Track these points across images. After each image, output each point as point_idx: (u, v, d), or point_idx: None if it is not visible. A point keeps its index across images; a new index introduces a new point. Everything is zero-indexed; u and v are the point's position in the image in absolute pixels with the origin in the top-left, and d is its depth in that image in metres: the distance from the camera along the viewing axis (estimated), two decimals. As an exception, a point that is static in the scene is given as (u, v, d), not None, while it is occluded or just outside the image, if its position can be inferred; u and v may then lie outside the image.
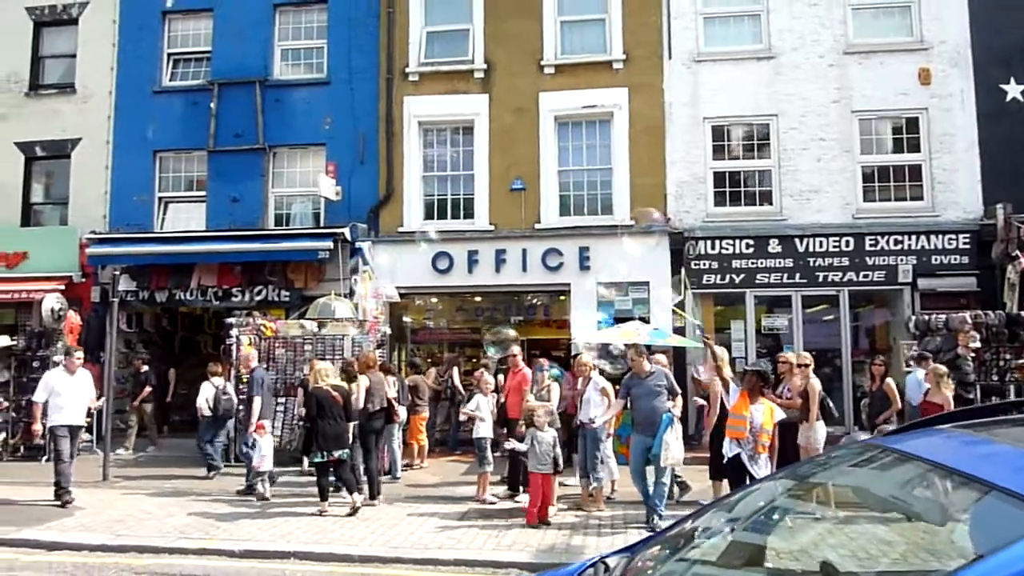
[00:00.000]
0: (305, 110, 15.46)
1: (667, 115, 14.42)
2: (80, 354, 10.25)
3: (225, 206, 15.40)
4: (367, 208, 15.03)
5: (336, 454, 9.10)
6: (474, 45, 15.08)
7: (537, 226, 14.42)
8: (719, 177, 14.37)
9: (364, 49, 15.37)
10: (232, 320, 12.84)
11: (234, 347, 12.60)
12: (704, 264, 13.84)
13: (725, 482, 8.32)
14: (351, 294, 14.19)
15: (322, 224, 15.13)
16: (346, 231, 14.52)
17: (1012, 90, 13.72)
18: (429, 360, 15.34)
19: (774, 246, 13.76)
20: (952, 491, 2.18)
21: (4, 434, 13.21)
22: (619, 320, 13.56)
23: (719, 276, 13.86)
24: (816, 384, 9.04)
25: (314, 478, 9.63)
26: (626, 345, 9.08)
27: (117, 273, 13.12)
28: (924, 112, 13.91)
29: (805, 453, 8.53)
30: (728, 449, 6.88)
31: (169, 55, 16.16)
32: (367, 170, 15.14)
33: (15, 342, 13.48)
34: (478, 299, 16.15)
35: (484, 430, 9.76)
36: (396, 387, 11.10)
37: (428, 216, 14.98)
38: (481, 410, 9.88)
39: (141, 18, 16.08)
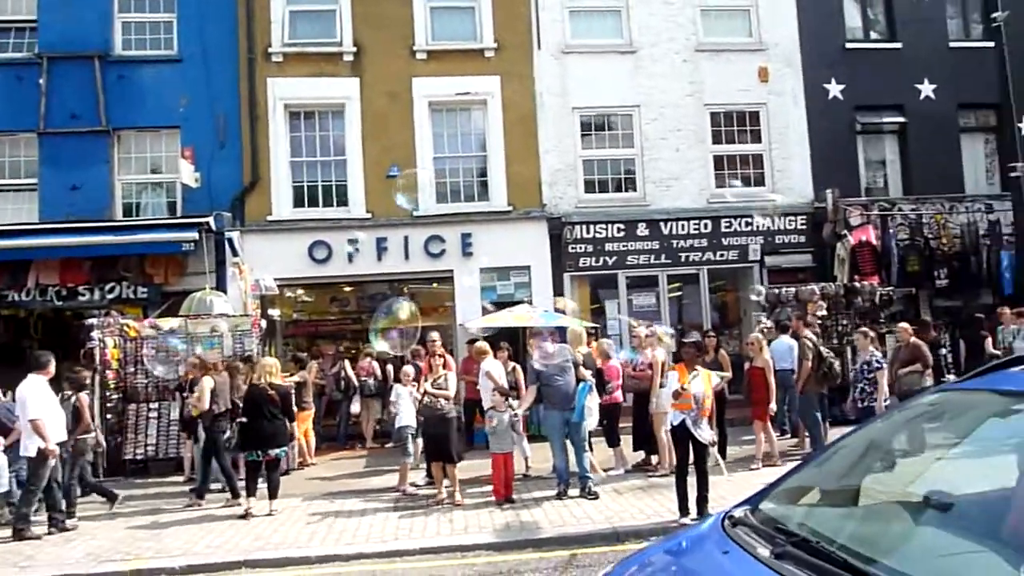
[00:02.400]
0: (154, 89, 14.19)
1: (538, 104, 14.87)
2: None
3: (63, 195, 13.80)
4: (230, 195, 14.12)
5: (272, 453, 8.81)
6: (342, 27, 14.61)
7: (416, 213, 14.31)
8: (588, 165, 15.06)
9: (219, 25, 14.36)
10: (93, 320, 11.61)
11: (96, 351, 11.43)
12: (580, 248, 14.48)
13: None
14: (216, 287, 13.34)
15: (179, 213, 14.03)
16: (211, 220, 13.57)
17: (833, 89, 15.58)
18: (307, 355, 14.75)
19: (642, 230, 14.68)
20: None
21: None
22: (501, 304, 13.84)
23: (594, 259, 14.57)
24: (660, 356, 10.02)
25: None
26: (530, 332, 9.41)
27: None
28: (764, 107, 15.44)
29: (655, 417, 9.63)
30: (673, 418, 7.38)
31: (-18, 22, 14.16)
32: (228, 155, 14.22)
33: None
34: (347, 289, 15.78)
35: (406, 420, 9.67)
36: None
37: (299, 204, 14.38)
38: (402, 400, 9.76)
39: (-57, -22, 13.95)
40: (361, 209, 14.26)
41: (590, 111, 15.07)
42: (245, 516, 8.53)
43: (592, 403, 8.67)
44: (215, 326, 12.04)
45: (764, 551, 2.59)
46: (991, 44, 15.16)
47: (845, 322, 13.43)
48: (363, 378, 13.20)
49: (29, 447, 8.04)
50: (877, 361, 10.32)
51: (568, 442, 8.89)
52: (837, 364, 10.83)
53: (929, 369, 10.20)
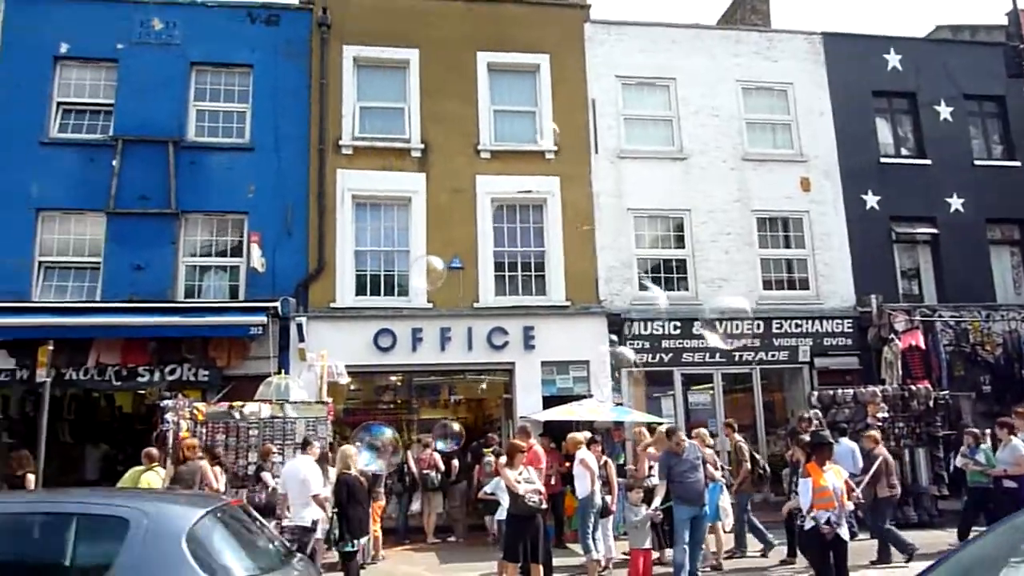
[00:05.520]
0: (225, 176, 14.45)
1: (596, 204, 15.40)
2: None
3: (126, 274, 13.75)
4: (294, 282, 14.19)
5: (361, 541, 8.65)
6: (410, 124, 15.17)
7: (476, 305, 14.51)
8: (643, 263, 15.50)
9: (292, 118, 14.80)
10: (168, 403, 11.38)
11: (169, 433, 11.15)
12: (637, 344, 14.69)
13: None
14: (279, 372, 13.21)
15: (241, 297, 14.03)
16: (278, 305, 13.60)
17: (870, 200, 16.42)
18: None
19: (697, 328, 14.98)
20: None
21: None
22: (560, 399, 13.89)
23: (650, 355, 14.78)
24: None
25: None
26: (667, 431, 9.47)
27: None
28: (806, 214, 16.17)
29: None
30: (819, 517, 7.37)
31: (60, 104, 14.41)
32: (294, 243, 14.38)
33: None
34: (394, 378, 15.72)
35: (504, 513, 9.53)
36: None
37: (361, 292, 14.49)
38: (500, 494, 9.64)
39: (27, 61, 14.21)
40: (422, 299, 14.40)
41: (644, 212, 15.64)
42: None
43: (726, 503, 8.66)
44: (286, 412, 11.91)
45: None
46: (1016, 163, 16.23)
47: (901, 424, 13.69)
48: (425, 471, 12.99)
49: (305, 517, 8.87)
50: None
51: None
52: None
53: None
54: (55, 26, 14.45)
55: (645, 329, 14.78)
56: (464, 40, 15.58)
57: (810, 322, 15.39)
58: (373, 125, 15.16)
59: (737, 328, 14.81)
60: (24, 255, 13.66)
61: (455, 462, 13.29)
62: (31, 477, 11.12)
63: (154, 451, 10.53)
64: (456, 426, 13.00)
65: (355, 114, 15.06)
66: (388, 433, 11.40)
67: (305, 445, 9.80)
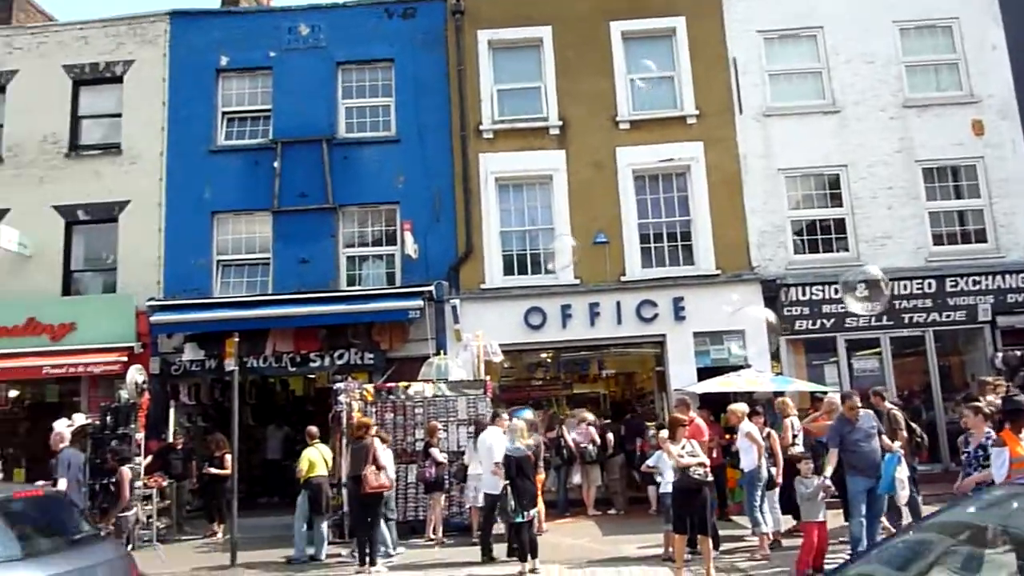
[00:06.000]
0: (375, 168, 15.11)
1: (743, 167, 14.83)
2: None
3: (293, 268, 14.74)
4: (445, 266, 14.68)
5: (531, 513, 8.95)
6: (547, 102, 15.19)
7: (623, 278, 14.42)
8: (797, 225, 14.80)
9: (434, 107, 15.23)
10: (340, 385, 12.16)
11: (343, 413, 11.92)
12: (796, 310, 14.09)
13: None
14: (438, 353, 13.75)
15: (397, 284, 14.68)
16: (432, 289, 14.14)
17: (1056, 139, 14.78)
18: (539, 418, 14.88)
19: (839, 292, 14.12)
20: None
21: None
22: (715, 370, 13.58)
23: (810, 322, 14.14)
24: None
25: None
26: (842, 396, 9.11)
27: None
28: (980, 160, 14.80)
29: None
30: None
31: (224, 113, 15.58)
32: (442, 228, 14.85)
33: (90, 419, 12.33)
34: (544, 355, 15.97)
35: (669, 486, 9.48)
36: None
37: (509, 272, 14.77)
38: (664, 467, 9.61)
39: (193, 76, 15.49)
40: (570, 275, 14.46)
41: (795, 172, 14.89)
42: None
43: (902, 475, 8.24)
44: (443, 391, 12.44)
45: None
46: None
47: (1105, 386, 12.34)
48: (582, 444, 13.13)
49: (497, 484, 9.60)
50: None
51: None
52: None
53: None
54: (214, 41, 15.62)
55: (803, 294, 14.13)
56: (596, 11, 15.37)
57: (990, 278, 14.13)
58: (511, 107, 15.32)
59: (905, 288, 13.93)
60: (204, 255, 14.95)
61: (610, 436, 13.36)
62: (228, 457, 12.27)
63: (314, 429, 11.50)
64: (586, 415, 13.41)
65: (493, 98, 15.27)
66: (527, 414, 12.19)
67: (494, 418, 10.82)
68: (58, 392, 14.99)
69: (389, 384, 12.62)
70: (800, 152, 14.84)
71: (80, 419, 12.14)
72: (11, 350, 14.17)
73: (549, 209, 14.93)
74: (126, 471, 9.58)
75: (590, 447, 13.04)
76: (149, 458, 12.60)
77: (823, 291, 14.09)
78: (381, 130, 15.43)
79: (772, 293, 14.08)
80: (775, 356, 13.95)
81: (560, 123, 15.03)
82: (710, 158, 14.81)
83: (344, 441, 11.67)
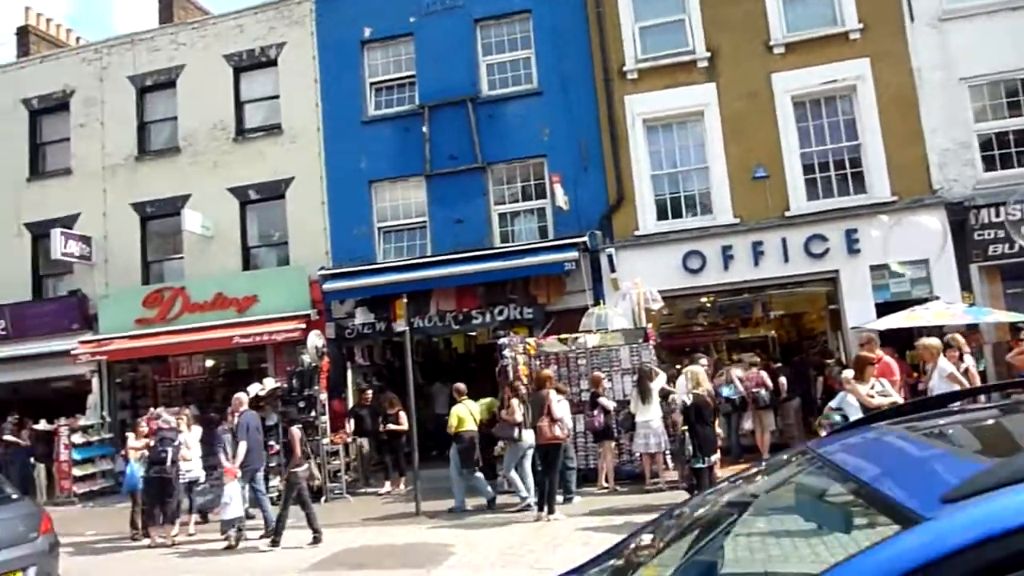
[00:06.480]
0: (520, 123, 15.05)
1: (917, 81, 13.47)
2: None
3: (449, 229, 15.07)
4: (597, 215, 14.48)
5: (711, 459, 8.80)
6: (693, 34, 14.44)
7: (787, 213, 13.62)
8: (985, 140, 13.33)
9: (574, 54, 14.90)
10: (504, 340, 12.37)
11: (509, 367, 12.12)
12: (988, 234, 12.77)
13: None
14: (596, 304, 13.63)
15: (550, 237, 14.65)
16: (586, 240, 14.00)
17: None
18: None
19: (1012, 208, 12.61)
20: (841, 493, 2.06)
21: (277, 477, 13.00)
22: (896, 305, 12.59)
23: (1006, 246, 12.76)
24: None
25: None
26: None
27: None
28: None
29: None
30: None
31: (372, 84, 16.02)
32: (592, 177, 14.61)
33: (278, 383, 13.33)
34: (704, 299, 15.46)
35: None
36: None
37: (663, 216, 14.34)
38: (849, 408, 9.06)
39: (340, 51, 16.01)
40: (728, 215, 13.86)
41: (981, 80, 13.36)
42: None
43: None
44: (605, 341, 12.34)
45: None
46: None
47: None
48: (753, 389, 12.67)
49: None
50: None
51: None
52: None
53: None
54: (357, 14, 16.02)
55: (997, 215, 12.76)
56: (739, -72, 14.36)
57: None
58: (654, 43, 14.70)
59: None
60: (365, 224, 15.59)
61: (783, 379, 12.80)
62: (403, 414, 12.87)
63: (462, 386, 11.87)
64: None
65: (635, 36, 14.71)
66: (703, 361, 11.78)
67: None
68: (247, 360, 16.29)
69: (550, 337, 12.68)
70: (986, 57, 13.24)
71: (270, 383, 13.16)
72: (204, 324, 15.52)
73: (702, 147, 14.31)
74: (295, 431, 10.26)
75: (762, 392, 12.55)
76: (351, 419, 13.50)
77: (1020, 210, 12.64)
78: (523, 84, 15.31)
79: (959, 217, 12.81)
80: (966, 286, 12.73)
81: (708, 54, 14.26)
82: (878, 75, 13.56)
83: (512, 393, 11.90)
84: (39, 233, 17.31)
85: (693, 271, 13.78)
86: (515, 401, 11.06)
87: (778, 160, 13.77)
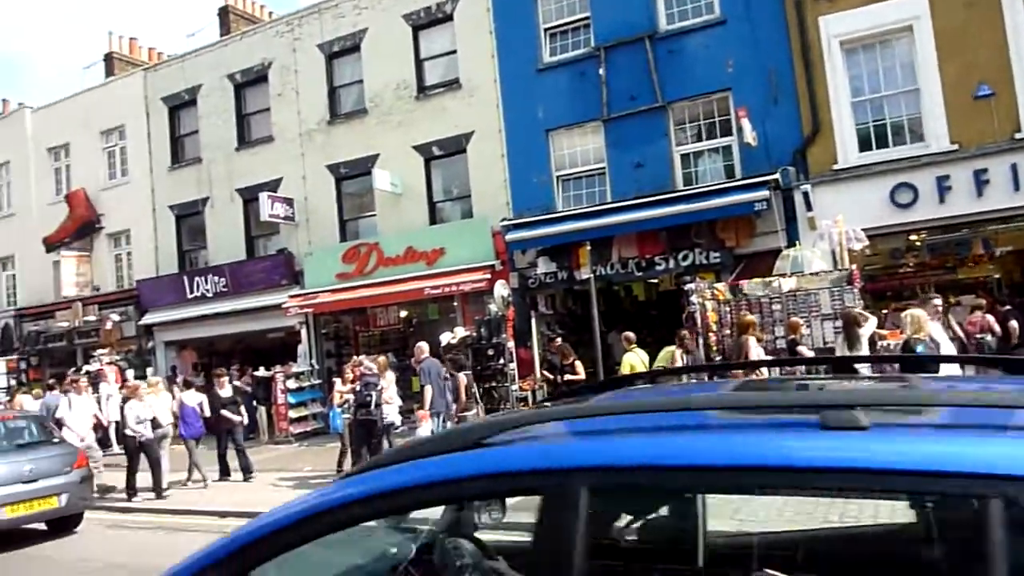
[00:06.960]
0: (702, 57, 14.25)
1: None
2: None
3: (629, 173, 14.70)
4: (790, 150, 13.50)
5: None
6: (899, -62, 12.88)
7: (1017, 135, 11.96)
8: None
9: (760, -25, 13.81)
10: (690, 286, 11.97)
11: (697, 314, 11.73)
12: None
13: None
14: (791, 245, 12.78)
15: (737, 176, 13.87)
16: (778, 177, 13.13)
17: None
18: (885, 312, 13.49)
19: None
20: None
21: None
22: None
23: None
24: None
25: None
26: None
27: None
28: None
29: None
30: None
31: (546, 30, 15.80)
32: (783, 109, 13.60)
33: (468, 332, 13.80)
34: (914, 237, 14.01)
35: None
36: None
37: (866, 147, 13.10)
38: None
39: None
40: (944, 141, 12.40)
41: None
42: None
43: None
44: (805, 284, 11.55)
45: None
46: None
47: None
48: (978, 335, 11.41)
49: None
50: None
51: None
52: None
53: None
54: (525, -44, 15.76)
55: None
56: None
57: None
58: (853, -45, 13.28)
59: None
60: (544, 173, 15.57)
61: (1013, 323, 11.43)
62: (579, 364, 12.89)
63: (631, 335, 11.79)
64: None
65: (830, -51, 13.36)
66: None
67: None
68: (438, 310, 17.00)
69: (742, 281, 12.09)
70: None
71: (460, 332, 13.68)
72: (397, 276, 16.34)
73: (910, 67, 12.84)
74: (461, 377, 10.55)
75: (988, 337, 11.29)
76: (545, 365, 13.83)
77: None
78: (704, 14, 14.45)
79: None
80: None
81: (919, -39, 12.69)
82: None
83: (701, 342, 11.54)
84: (249, 198, 18.95)
85: (902, 206, 12.53)
86: (678, 352, 10.77)
87: (1006, 75, 12.08)
